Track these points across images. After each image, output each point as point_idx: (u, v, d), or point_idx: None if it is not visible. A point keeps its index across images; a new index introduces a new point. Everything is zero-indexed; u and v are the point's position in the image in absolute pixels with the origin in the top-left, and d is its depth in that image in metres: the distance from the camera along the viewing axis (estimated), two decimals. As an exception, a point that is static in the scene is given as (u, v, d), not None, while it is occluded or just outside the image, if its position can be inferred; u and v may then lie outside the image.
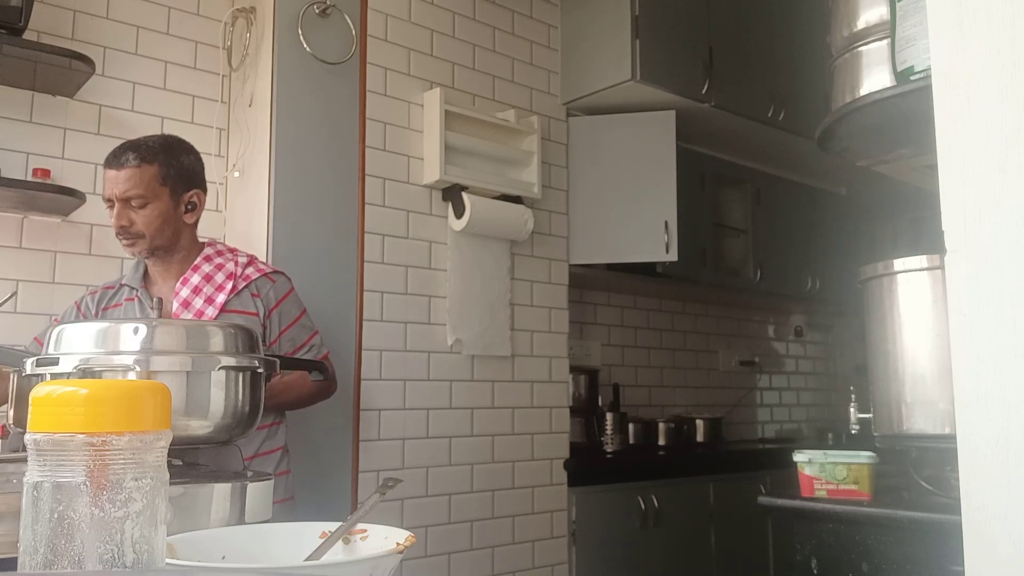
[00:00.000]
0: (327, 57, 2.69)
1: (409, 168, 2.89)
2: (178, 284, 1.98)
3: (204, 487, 1.01)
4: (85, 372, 1.03)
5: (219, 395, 1.11)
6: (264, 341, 1.94)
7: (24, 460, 0.68)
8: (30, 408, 0.52)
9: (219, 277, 1.99)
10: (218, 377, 1.10)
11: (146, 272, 2.06)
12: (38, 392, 0.52)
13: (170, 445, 0.56)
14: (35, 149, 2.42)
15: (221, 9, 2.77)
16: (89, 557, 0.51)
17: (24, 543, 0.51)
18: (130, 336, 1.07)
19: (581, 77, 3.36)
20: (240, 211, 2.71)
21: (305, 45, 2.64)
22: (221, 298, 1.96)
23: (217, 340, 1.14)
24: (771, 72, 3.81)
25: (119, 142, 2.54)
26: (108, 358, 1.05)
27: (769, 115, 3.79)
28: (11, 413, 1.53)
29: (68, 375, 1.03)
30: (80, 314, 2.05)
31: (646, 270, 3.58)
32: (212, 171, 2.72)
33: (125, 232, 1.94)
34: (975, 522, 0.95)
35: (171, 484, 0.58)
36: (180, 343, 1.11)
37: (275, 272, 2.09)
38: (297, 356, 2.01)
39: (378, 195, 2.80)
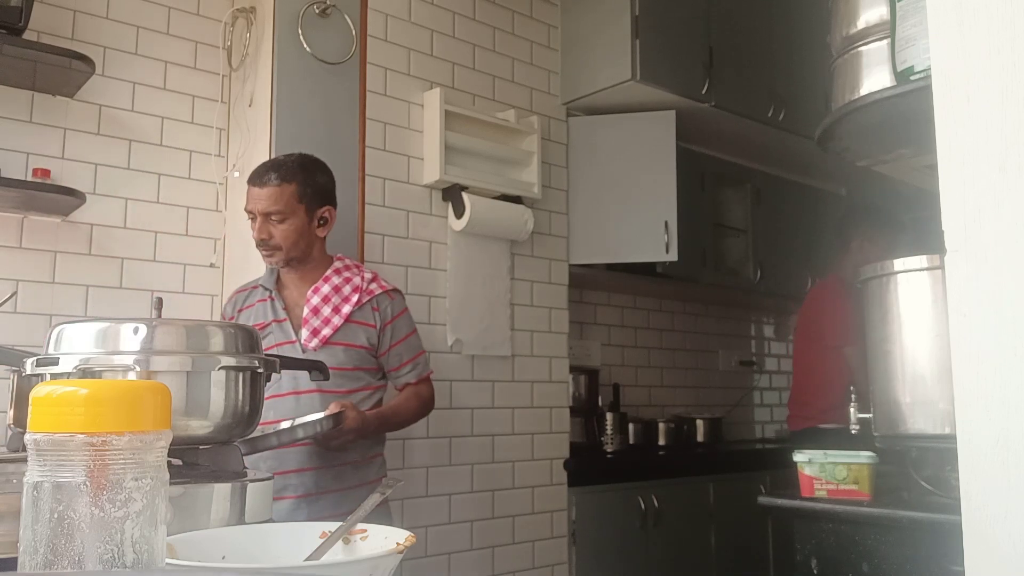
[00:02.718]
0: (327, 57, 2.69)
1: (409, 168, 2.89)
2: (310, 292, 2.15)
3: (204, 487, 1.01)
4: (85, 372, 1.03)
5: (219, 395, 1.11)
6: (376, 352, 2.16)
7: (24, 460, 0.68)
8: (30, 408, 0.52)
9: (347, 289, 2.16)
10: (218, 377, 1.10)
11: (279, 276, 2.23)
12: (38, 392, 0.52)
13: (170, 445, 0.56)
14: (35, 149, 2.42)
15: (221, 9, 2.77)
16: (89, 557, 0.51)
17: (24, 543, 0.51)
18: (130, 336, 1.07)
19: (581, 77, 3.36)
20: (240, 211, 2.69)
21: (305, 45, 2.64)
22: (347, 308, 2.13)
23: (217, 340, 1.14)
24: (771, 72, 3.81)
25: (119, 141, 2.56)
26: (108, 358, 1.05)
27: (769, 115, 3.79)
28: (11, 413, 1.53)
29: (68, 375, 1.03)
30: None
31: (646, 270, 3.58)
32: (212, 171, 2.73)
33: (264, 244, 2.12)
34: (975, 522, 0.95)
35: (171, 484, 0.58)
36: (180, 343, 1.11)
37: (394, 290, 2.24)
38: (400, 371, 2.21)
39: (378, 195, 2.80)
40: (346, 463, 2.08)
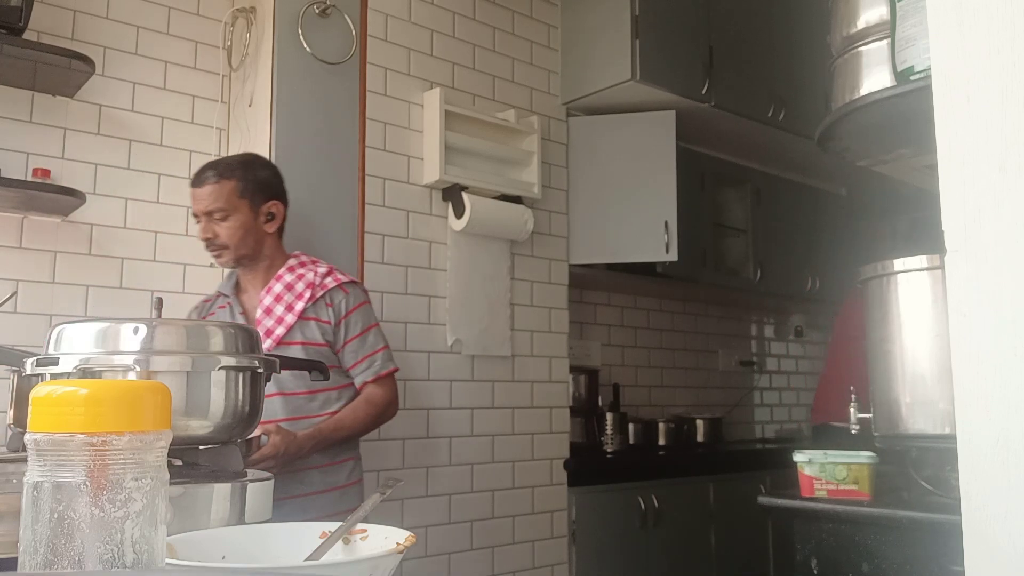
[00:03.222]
0: (327, 57, 2.69)
1: (409, 168, 2.89)
2: (263, 292, 2.11)
3: (204, 487, 1.01)
4: (85, 372, 1.03)
5: (219, 395, 1.11)
6: (334, 348, 2.09)
7: (24, 460, 0.68)
8: (30, 408, 0.52)
9: (299, 286, 2.11)
10: (218, 377, 1.10)
11: (238, 281, 2.20)
12: (38, 392, 0.52)
13: (170, 445, 0.56)
14: (35, 149, 2.42)
15: (221, 9, 2.77)
16: (89, 557, 0.51)
17: (24, 543, 0.51)
18: (130, 336, 1.07)
19: (581, 77, 3.36)
20: (240, 211, 2.70)
21: (305, 45, 2.64)
22: (300, 306, 2.08)
23: (217, 340, 1.14)
24: (771, 72, 3.81)
25: (119, 141, 2.57)
26: (108, 358, 1.05)
27: (769, 115, 3.79)
28: (11, 413, 1.53)
29: (68, 375, 1.03)
30: None
31: (646, 270, 3.58)
32: (212, 171, 2.72)
33: (211, 244, 2.10)
34: (975, 522, 0.95)
35: (171, 484, 0.58)
36: (180, 343, 1.10)
37: (350, 283, 2.16)
38: (356, 369, 2.12)
39: (378, 195, 2.80)
40: (311, 467, 2.02)
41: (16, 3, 2.19)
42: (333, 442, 2.04)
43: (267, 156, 2.59)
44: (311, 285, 2.10)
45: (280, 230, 2.19)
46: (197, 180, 2.10)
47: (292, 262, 2.16)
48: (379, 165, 2.81)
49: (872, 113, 1.57)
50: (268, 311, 2.08)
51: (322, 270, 2.14)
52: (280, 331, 2.05)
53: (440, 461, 2.87)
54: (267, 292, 2.11)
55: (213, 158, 2.22)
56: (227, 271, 2.23)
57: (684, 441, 3.91)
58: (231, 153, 2.75)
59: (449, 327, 2.92)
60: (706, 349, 4.49)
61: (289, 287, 2.10)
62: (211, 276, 2.71)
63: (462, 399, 2.95)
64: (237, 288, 2.19)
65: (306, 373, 2.00)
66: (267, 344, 2.04)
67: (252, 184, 2.10)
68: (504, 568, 2.99)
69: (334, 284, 2.12)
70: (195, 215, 2.11)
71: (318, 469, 2.04)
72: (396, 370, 2.19)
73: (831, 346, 3.70)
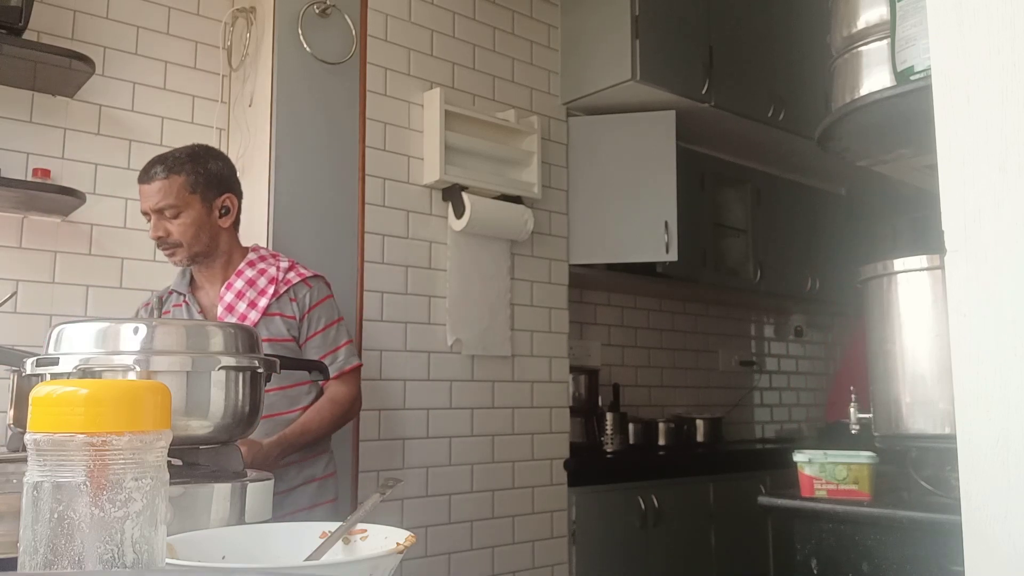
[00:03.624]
0: (327, 57, 2.69)
1: (409, 168, 2.89)
2: (223, 289, 2.04)
3: (204, 487, 1.01)
4: (85, 372, 1.03)
5: (219, 395, 1.11)
6: (298, 343, 2.03)
7: (24, 460, 0.68)
8: (30, 408, 0.52)
9: (261, 282, 2.05)
10: (218, 377, 1.10)
11: (192, 277, 2.12)
12: (38, 392, 0.52)
13: (170, 445, 0.56)
14: (35, 149, 2.42)
15: (221, 9, 2.77)
16: (89, 557, 0.51)
17: (24, 543, 0.51)
18: (130, 336, 1.07)
19: (581, 77, 3.36)
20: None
21: (305, 45, 2.64)
22: (263, 302, 2.02)
23: (217, 340, 1.14)
24: (771, 72, 3.81)
25: (119, 141, 2.56)
26: (108, 358, 1.05)
27: (769, 115, 3.79)
28: (11, 413, 1.53)
29: (68, 375, 1.03)
30: None
31: (646, 270, 3.58)
32: (212, 171, 2.72)
33: (163, 242, 2.01)
34: (975, 522, 0.95)
35: (171, 484, 0.58)
36: (180, 343, 1.10)
37: (313, 277, 2.12)
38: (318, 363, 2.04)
39: (378, 195, 2.80)
40: (289, 463, 1.99)
41: (16, 3, 2.19)
42: (299, 447, 1.98)
43: (267, 156, 2.59)
44: (274, 280, 2.05)
45: (236, 223, 2.10)
46: (144, 176, 2.00)
47: (251, 256, 2.10)
48: (379, 165, 2.81)
49: (872, 113, 1.57)
50: (230, 308, 2.01)
51: (284, 264, 2.09)
52: None
53: (440, 461, 2.87)
54: (227, 288, 2.04)
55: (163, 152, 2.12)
56: (178, 269, 2.15)
57: (684, 441, 3.91)
58: (231, 153, 2.75)
59: (449, 327, 2.92)
60: (706, 349, 4.49)
61: (251, 283, 2.04)
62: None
63: (462, 399, 2.95)
64: (192, 285, 2.12)
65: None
66: None
67: (203, 178, 2.01)
68: (504, 568, 2.99)
69: (298, 279, 2.07)
70: (144, 213, 2.02)
71: (295, 464, 2.03)
72: (360, 366, 2.13)
73: (852, 343, 3.70)
